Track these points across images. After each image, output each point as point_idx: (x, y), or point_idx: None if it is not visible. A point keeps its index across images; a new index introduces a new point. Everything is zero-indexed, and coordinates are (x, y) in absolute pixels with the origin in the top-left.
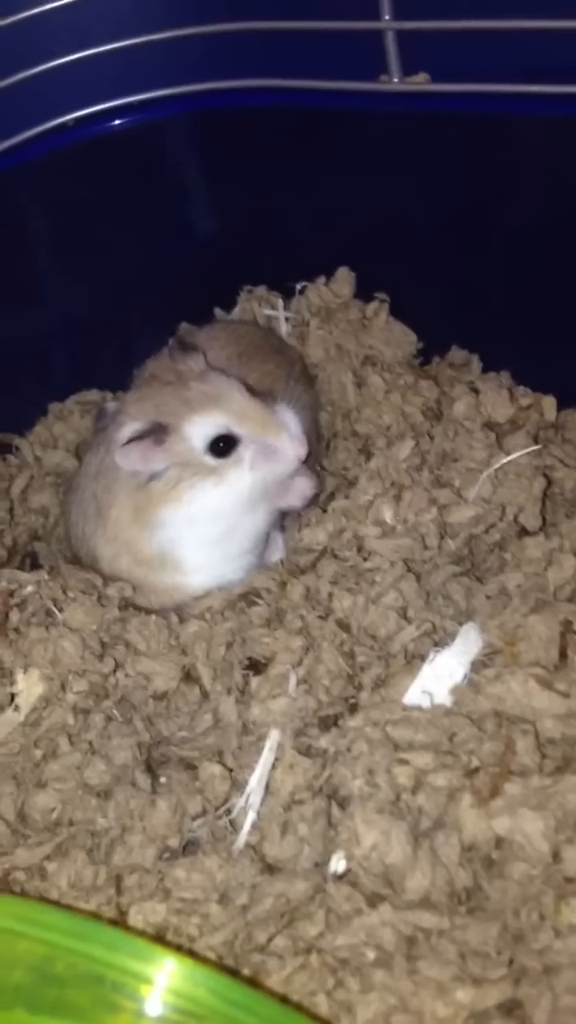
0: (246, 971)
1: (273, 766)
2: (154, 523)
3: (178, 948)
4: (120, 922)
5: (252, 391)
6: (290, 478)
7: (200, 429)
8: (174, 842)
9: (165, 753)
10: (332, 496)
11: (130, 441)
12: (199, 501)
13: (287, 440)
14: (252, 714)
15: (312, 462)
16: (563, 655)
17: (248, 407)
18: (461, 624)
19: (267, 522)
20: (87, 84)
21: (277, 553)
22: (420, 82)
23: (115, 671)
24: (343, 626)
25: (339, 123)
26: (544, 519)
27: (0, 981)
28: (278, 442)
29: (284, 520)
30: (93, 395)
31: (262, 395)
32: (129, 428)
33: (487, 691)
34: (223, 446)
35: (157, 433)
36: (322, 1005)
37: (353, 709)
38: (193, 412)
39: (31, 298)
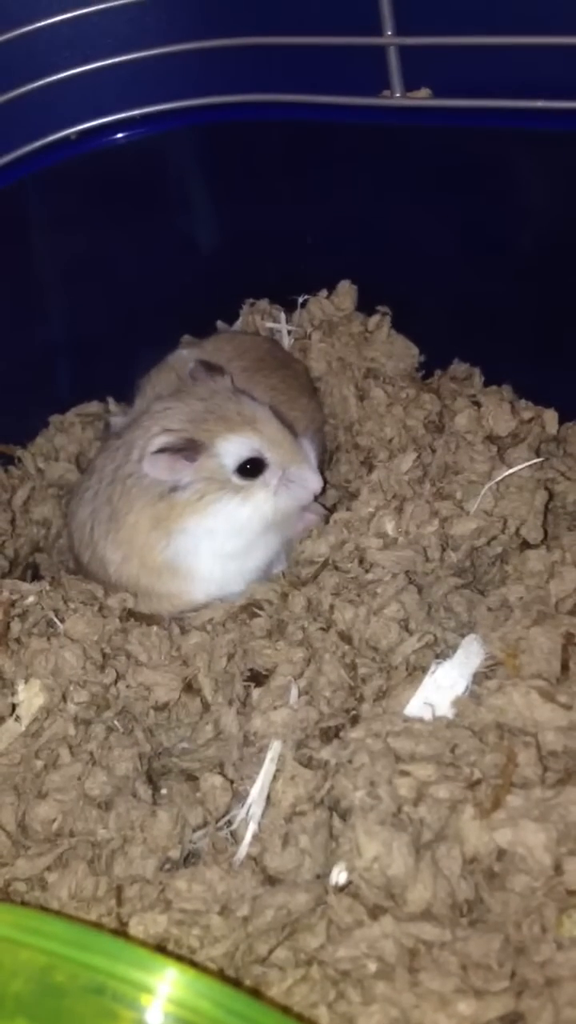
0: (247, 983)
1: (274, 777)
2: (175, 531)
3: (179, 960)
4: (121, 933)
5: (278, 416)
6: (303, 509)
7: (233, 448)
8: (175, 853)
9: (166, 764)
10: (334, 508)
11: (161, 451)
12: (222, 516)
13: (310, 473)
14: (253, 725)
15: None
16: (565, 667)
17: (279, 435)
18: (463, 636)
19: (280, 544)
20: (90, 98)
21: (279, 565)
22: (422, 97)
23: (116, 682)
24: (344, 638)
25: (341, 138)
26: (546, 532)
27: (1, 990)
28: (301, 473)
29: None
30: (94, 407)
31: (287, 422)
32: (162, 439)
33: (489, 703)
34: (251, 468)
35: (190, 448)
36: (323, 1017)
37: (354, 720)
38: (229, 431)
39: (33, 310)
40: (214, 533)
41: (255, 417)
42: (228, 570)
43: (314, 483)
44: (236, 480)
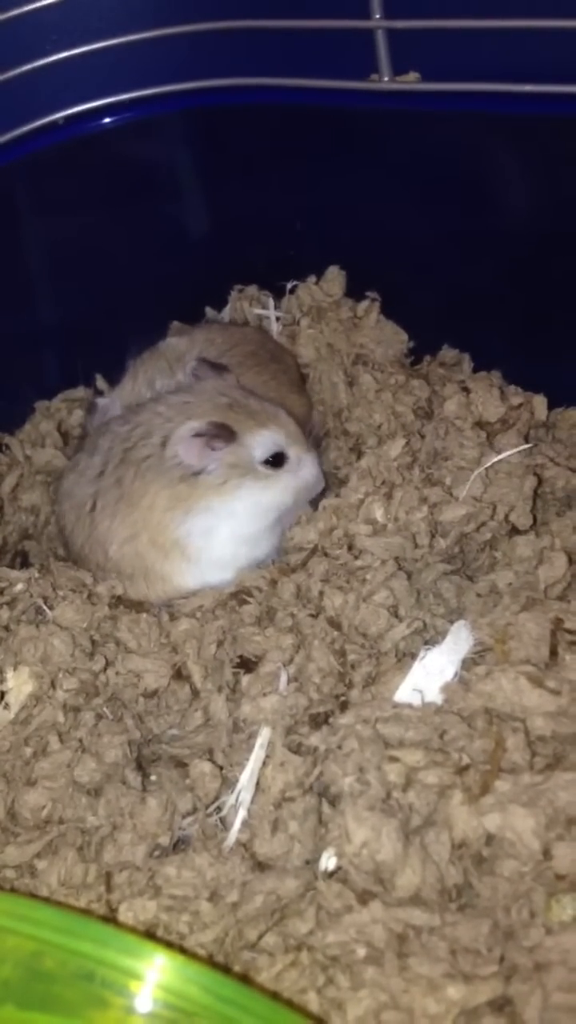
0: (236, 968)
1: (264, 764)
2: (195, 510)
3: (168, 946)
4: (110, 920)
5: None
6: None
7: (263, 441)
8: (164, 840)
9: (155, 751)
10: (323, 494)
11: (196, 436)
12: (247, 499)
13: (317, 467)
14: (242, 712)
15: None
16: (553, 653)
17: (296, 431)
18: (452, 622)
19: (280, 537)
20: (77, 82)
21: (271, 554)
22: (410, 81)
23: (105, 669)
24: (334, 624)
25: (329, 122)
26: (535, 518)
27: None
28: (312, 467)
29: None
30: (80, 393)
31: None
32: (196, 424)
33: (478, 689)
34: (274, 460)
35: (222, 437)
36: (313, 1002)
37: (344, 707)
38: (260, 426)
39: (20, 296)
40: (236, 514)
41: (278, 414)
42: (239, 555)
43: (321, 478)
44: (261, 469)
